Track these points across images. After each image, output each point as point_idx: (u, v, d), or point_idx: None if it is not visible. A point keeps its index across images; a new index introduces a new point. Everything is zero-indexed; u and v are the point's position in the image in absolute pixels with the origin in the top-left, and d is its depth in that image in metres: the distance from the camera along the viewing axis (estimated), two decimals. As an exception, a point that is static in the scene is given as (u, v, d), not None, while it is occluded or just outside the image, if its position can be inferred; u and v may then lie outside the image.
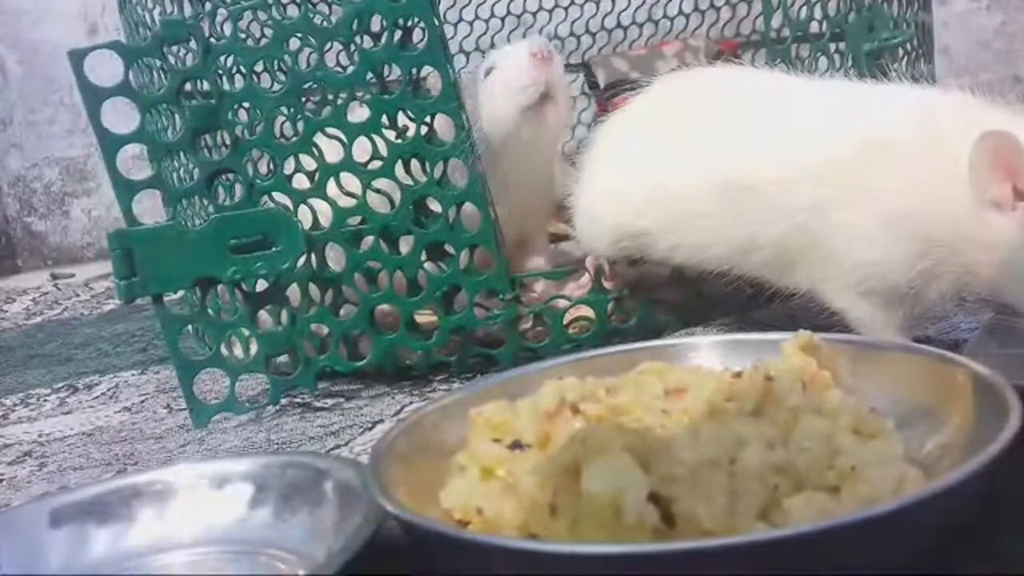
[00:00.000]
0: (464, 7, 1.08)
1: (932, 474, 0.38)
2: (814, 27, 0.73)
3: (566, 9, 1.08)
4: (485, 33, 1.08)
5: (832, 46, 0.73)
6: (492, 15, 1.09)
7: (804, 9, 0.71)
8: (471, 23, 1.09)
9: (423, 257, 0.65)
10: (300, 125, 0.64)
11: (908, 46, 0.74)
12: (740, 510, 0.35)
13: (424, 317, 0.68)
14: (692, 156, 0.58)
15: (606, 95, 0.97)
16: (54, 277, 1.33)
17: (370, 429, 0.60)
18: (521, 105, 0.70)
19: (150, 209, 0.71)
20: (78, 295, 1.17)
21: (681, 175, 0.59)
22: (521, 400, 0.46)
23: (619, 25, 1.06)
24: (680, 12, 1.05)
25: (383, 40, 0.63)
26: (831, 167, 0.53)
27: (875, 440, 0.41)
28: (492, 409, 0.45)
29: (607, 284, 0.68)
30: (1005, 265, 0.48)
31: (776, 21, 0.72)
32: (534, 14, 1.09)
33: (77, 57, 0.61)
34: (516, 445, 0.43)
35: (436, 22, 0.63)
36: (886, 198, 0.51)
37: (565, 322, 0.67)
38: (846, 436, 0.40)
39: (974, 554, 0.37)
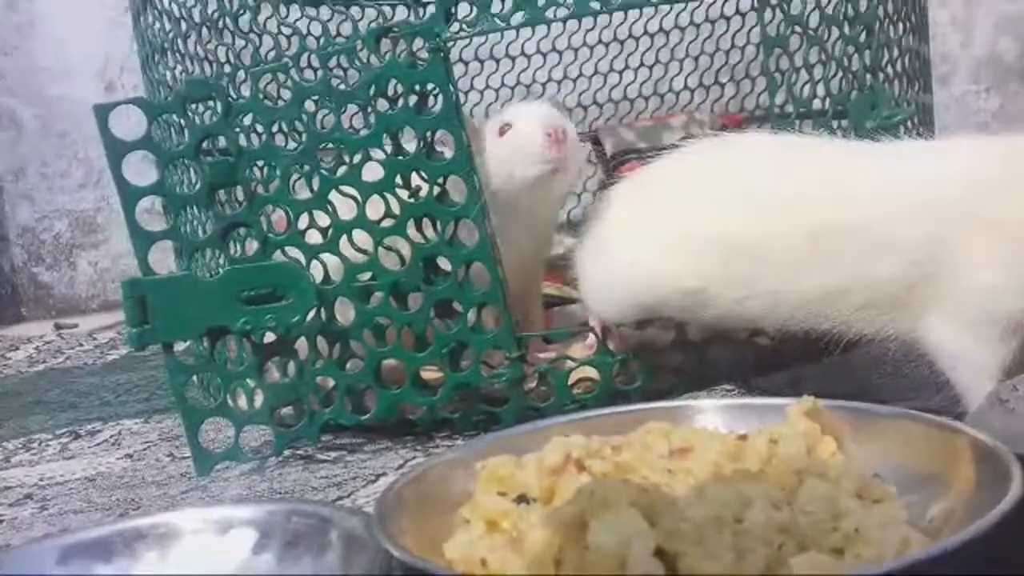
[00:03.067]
0: (475, 76, 1.11)
1: (935, 540, 0.39)
2: (816, 104, 0.75)
3: (574, 81, 1.11)
4: (495, 102, 1.11)
5: (835, 123, 0.75)
6: (502, 84, 1.12)
7: (807, 87, 0.73)
8: (481, 91, 1.11)
9: (431, 314, 0.66)
10: (315, 182, 0.65)
11: (909, 124, 0.77)
12: (745, 568, 0.35)
13: (430, 373, 0.68)
14: (768, 208, 0.58)
15: (613, 164, 0.99)
16: (58, 327, 1.34)
17: (373, 482, 0.60)
18: (531, 176, 0.71)
19: (160, 261, 0.72)
20: (82, 345, 1.18)
21: (755, 227, 0.58)
22: (527, 456, 0.47)
23: (625, 97, 1.09)
24: (685, 87, 1.07)
25: (400, 104, 0.65)
26: (947, 202, 0.54)
27: (878, 505, 0.41)
28: (498, 463, 0.46)
29: (612, 347, 0.69)
30: None
31: (779, 98, 0.74)
32: (543, 84, 1.11)
33: (103, 111, 0.63)
34: (521, 499, 0.43)
35: (451, 88, 0.65)
36: (1008, 226, 0.53)
37: (569, 383, 0.68)
38: (849, 500, 0.41)
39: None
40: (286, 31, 0.85)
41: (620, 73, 1.09)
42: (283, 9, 0.85)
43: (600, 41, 1.10)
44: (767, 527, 0.37)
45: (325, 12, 0.89)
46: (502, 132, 0.73)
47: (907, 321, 0.56)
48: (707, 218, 0.60)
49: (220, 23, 0.75)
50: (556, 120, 0.73)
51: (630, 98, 1.07)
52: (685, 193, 0.63)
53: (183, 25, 0.75)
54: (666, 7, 1.04)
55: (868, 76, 0.75)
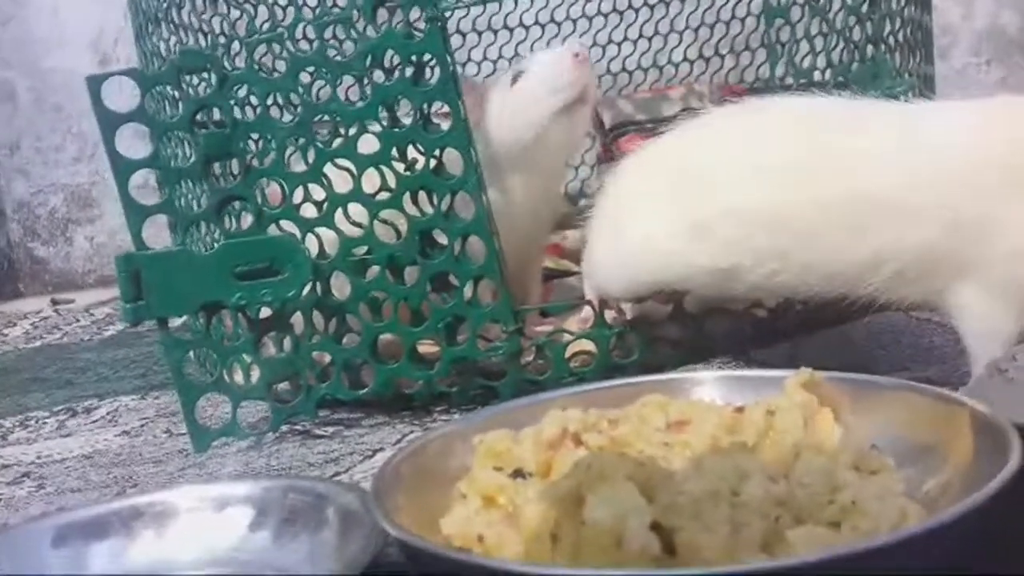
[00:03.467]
0: (473, 48, 1.10)
1: (931, 512, 0.39)
2: (817, 75, 0.74)
3: None
4: (492, 74, 1.10)
5: (836, 94, 0.74)
6: (500, 56, 1.11)
7: (808, 57, 0.72)
8: (479, 64, 1.10)
9: (428, 288, 0.66)
10: (311, 155, 0.65)
11: (911, 95, 0.76)
12: (742, 541, 0.35)
13: (426, 347, 0.68)
14: (797, 176, 0.56)
15: (611, 136, 0.98)
16: (54, 302, 1.33)
17: (370, 457, 0.60)
18: (558, 105, 0.70)
19: (154, 236, 0.71)
20: (78, 320, 1.18)
21: (784, 204, 0.56)
22: (524, 430, 0.46)
23: (624, 70, 1.08)
24: (685, 58, 1.06)
25: (396, 75, 0.64)
26: (981, 165, 0.53)
27: (875, 476, 0.41)
28: (494, 437, 0.46)
29: (609, 319, 0.68)
30: None
31: (780, 69, 0.74)
32: None
33: (95, 83, 0.62)
34: (518, 474, 0.43)
35: (448, 59, 0.64)
36: None
37: (566, 356, 0.68)
38: (846, 472, 0.41)
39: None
40: (282, 1, 0.84)
41: (619, 44, 1.08)
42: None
43: (599, 12, 1.08)
44: (764, 500, 0.37)
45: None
46: (514, 82, 0.72)
47: (935, 287, 0.55)
48: (730, 191, 0.58)
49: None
50: (580, 44, 0.72)
51: (629, 70, 1.06)
52: (702, 166, 0.60)
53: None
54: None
55: (870, 47, 0.74)
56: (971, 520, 0.33)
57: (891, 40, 0.75)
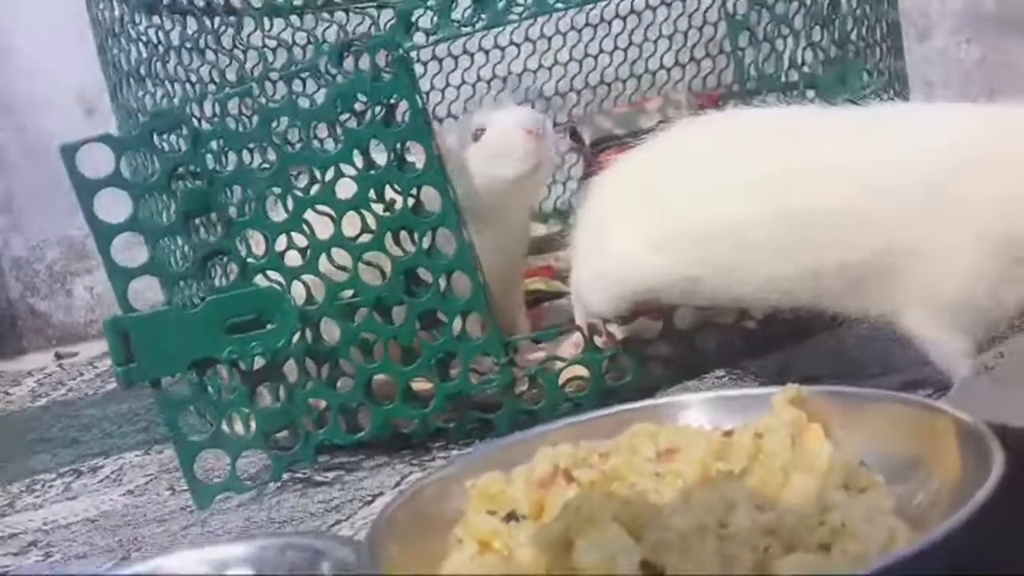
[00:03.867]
0: (451, 72, 1.10)
1: (922, 526, 0.39)
2: (785, 80, 0.74)
3: (550, 69, 1.10)
4: (472, 96, 1.10)
5: (808, 94, 0.74)
6: (479, 79, 1.11)
7: (774, 62, 0.72)
8: (458, 88, 1.11)
9: (416, 326, 0.66)
10: (290, 203, 0.65)
11: (883, 94, 0.76)
12: (732, 574, 0.35)
13: (420, 385, 0.68)
14: (754, 191, 0.57)
15: (593, 152, 0.98)
16: (58, 356, 1.34)
17: (369, 503, 0.60)
18: (510, 176, 0.71)
19: (148, 288, 0.71)
20: (82, 374, 1.18)
21: (745, 212, 0.57)
22: (516, 469, 0.47)
23: (603, 82, 1.08)
24: (661, 66, 1.06)
25: (367, 118, 0.65)
26: (918, 183, 0.53)
27: (865, 494, 0.41)
28: (487, 480, 0.46)
29: (600, 343, 0.69)
30: None
31: (747, 76, 0.74)
32: (519, 75, 1.11)
33: (69, 151, 0.63)
34: (511, 517, 0.43)
35: (417, 98, 0.64)
36: (976, 212, 0.52)
37: (560, 383, 0.68)
38: (836, 492, 0.41)
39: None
40: (271, 44, 0.84)
41: (595, 58, 1.08)
42: (267, 22, 0.83)
43: (572, 27, 1.09)
44: (752, 530, 0.37)
45: (310, 21, 0.88)
46: (476, 137, 0.73)
47: (888, 307, 0.55)
48: (693, 205, 0.59)
49: (201, 42, 0.75)
50: (532, 118, 0.72)
51: (607, 82, 1.07)
52: (668, 179, 0.62)
53: (160, 48, 0.74)
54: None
55: (835, 49, 0.74)
56: (959, 535, 0.34)
57: (857, 41, 0.75)
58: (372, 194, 0.65)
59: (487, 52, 1.11)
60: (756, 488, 0.42)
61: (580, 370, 0.68)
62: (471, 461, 0.50)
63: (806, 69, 0.72)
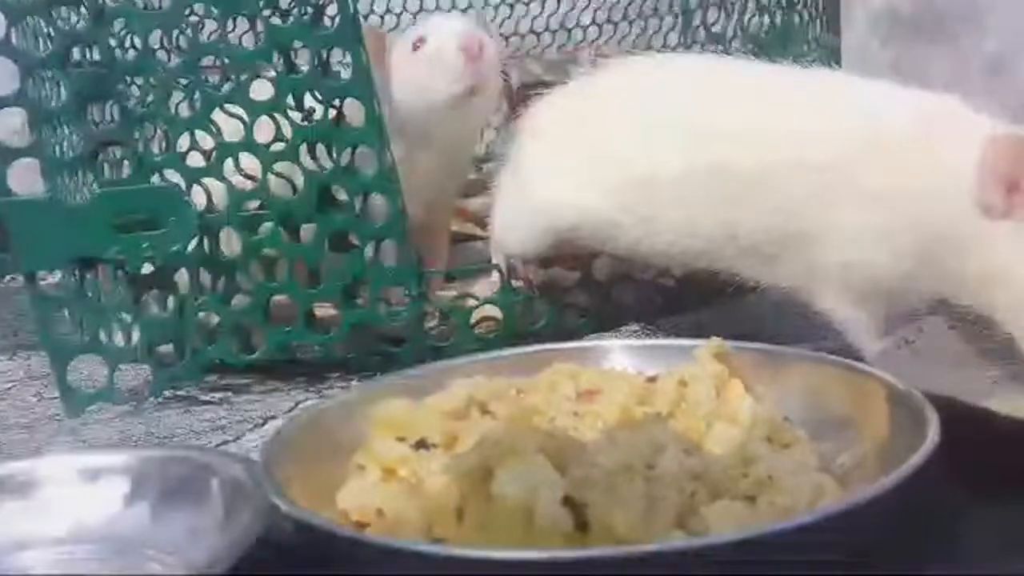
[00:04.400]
0: None
1: (845, 486, 0.38)
2: (728, 41, 0.73)
3: (479, 10, 1.06)
4: (396, 28, 1.05)
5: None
6: (404, 10, 1.06)
7: (721, 22, 0.70)
8: (382, 16, 1.05)
9: (325, 247, 0.62)
10: (199, 100, 0.60)
11: (820, 65, 0.76)
12: (656, 517, 0.34)
13: (324, 311, 0.64)
14: (677, 141, 0.56)
15: (519, 96, 0.95)
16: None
17: (261, 425, 0.56)
18: (447, 96, 0.67)
19: (28, 184, 0.65)
20: (-59, 275, 1.09)
21: (666, 160, 0.56)
22: (427, 399, 0.44)
23: (532, 31, 1.05)
24: (593, 22, 1.04)
25: (292, 17, 0.60)
26: (832, 161, 0.51)
27: (789, 450, 0.40)
28: (395, 407, 0.43)
29: (517, 285, 0.66)
30: (989, 275, 0.47)
31: (691, 34, 0.72)
32: (446, 11, 1.06)
33: (-47, 11, 0.56)
34: (421, 445, 0.40)
35: (349, 3, 0.60)
36: (884, 197, 0.50)
37: (472, 322, 0.65)
38: (760, 445, 0.40)
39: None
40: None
41: (527, 4, 1.05)
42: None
43: None
44: (679, 474, 0.35)
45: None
46: (415, 47, 0.68)
47: (798, 276, 0.54)
48: (618, 148, 0.58)
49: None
50: (475, 34, 0.68)
51: (537, 31, 1.04)
52: (597, 120, 0.60)
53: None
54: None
55: (780, 13, 0.74)
56: (891, 497, 0.33)
57: (802, 10, 0.75)
58: (290, 100, 0.61)
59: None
60: (680, 433, 0.40)
61: (493, 311, 0.66)
62: (374, 388, 0.48)
63: (751, 31, 0.71)
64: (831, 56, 0.80)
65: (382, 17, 1.05)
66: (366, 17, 1.03)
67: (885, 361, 0.48)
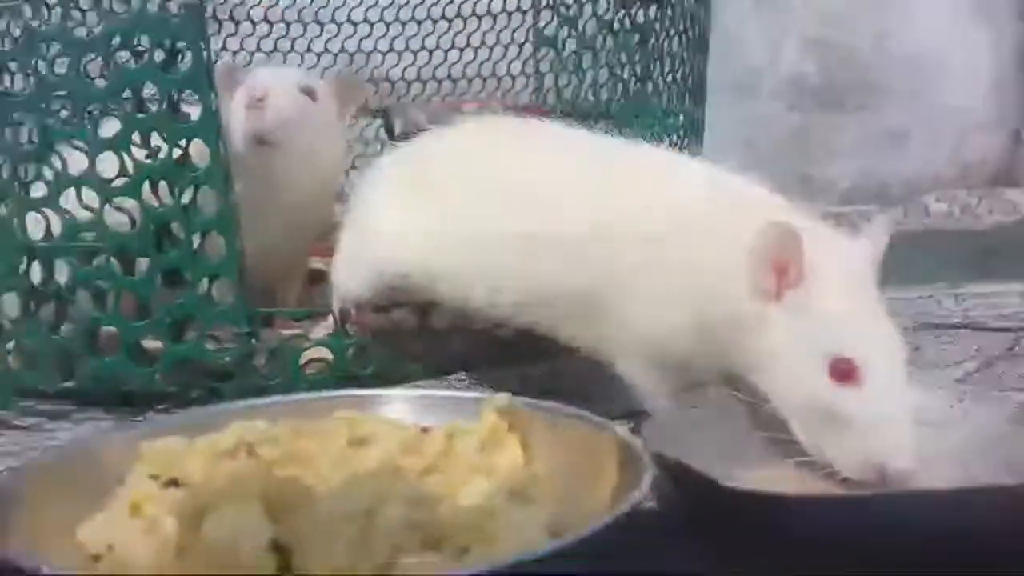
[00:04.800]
0: (280, 38, 1.08)
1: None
2: (582, 107, 0.75)
3: (352, 56, 1.08)
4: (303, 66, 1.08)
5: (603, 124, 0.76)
6: (275, 48, 1.08)
7: (572, 88, 0.73)
8: (285, 55, 1.08)
9: (159, 282, 0.63)
10: (43, 133, 0.61)
11: (675, 135, 0.79)
12: (362, 565, 0.35)
13: (152, 343, 0.65)
14: (495, 204, 0.58)
15: (399, 142, 0.98)
16: None
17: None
18: (237, 144, 0.69)
19: None
20: None
21: (482, 223, 0.58)
22: (202, 437, 0.45)
23: (419, 79, 1.08)
24: (479, 75, 1.07)
25: (146, 59, 0.61)
26: (629, 233, 0.54)
27: (530, 506, 0.42)
28: (164, 444, 0.44)
29: (351, 329, 0.68)
30: (762, 353, 0.49)
31: (547, 98, 0.74)
32: (352, 55, 1.09)
33: None
34: (172, 483, 0.41)
35: (203, 47, 0.62)
36: (676, 271, 0.52)
37: (302, 362, 0.66)
38: (504, 499, 0.41)
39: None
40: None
41: (399, 54, 1.08)
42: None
43: (413, 18, 1.08)
44: (398, 525, 0.36)
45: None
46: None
47: (601, 341, 0.56)
48: (442, 205, 0.60)
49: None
50: (260, 86, 0.70)
51: (423, 79, 1.07)
52: (431, 174, 0.62)
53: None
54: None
55: (636, 84, 0.77)
56: (571, 553, 0.34)
57: (660, 80, 0.78)
58: (136, 138, 0.62)
59: (323, 25, 1.09)
60: (425, 485, 0.42)
61: (326, 353, 0.67)
62: (158, 424, 0.48)
63: (604, 96, 0.73)
64: (690, 128, 0.83)
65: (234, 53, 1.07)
66: (251, 57, 1.06)
67: (661, 422, 0.50)
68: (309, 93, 0.74)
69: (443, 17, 1.06)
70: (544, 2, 0.69)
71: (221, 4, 1.07)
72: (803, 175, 1.60)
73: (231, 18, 1.08)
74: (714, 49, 1.62)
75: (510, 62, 1.04)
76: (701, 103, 0.88)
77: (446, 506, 0.40)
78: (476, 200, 0.59)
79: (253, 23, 1.07)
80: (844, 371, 0.46)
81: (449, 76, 1.07)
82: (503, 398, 0.49)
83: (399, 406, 0.50)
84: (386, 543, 0.36)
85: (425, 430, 0.47)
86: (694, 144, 0.84)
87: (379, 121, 1.02)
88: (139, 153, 0.62)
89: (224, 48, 1.06)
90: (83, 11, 0.63)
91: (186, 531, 0.36)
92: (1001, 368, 0.71)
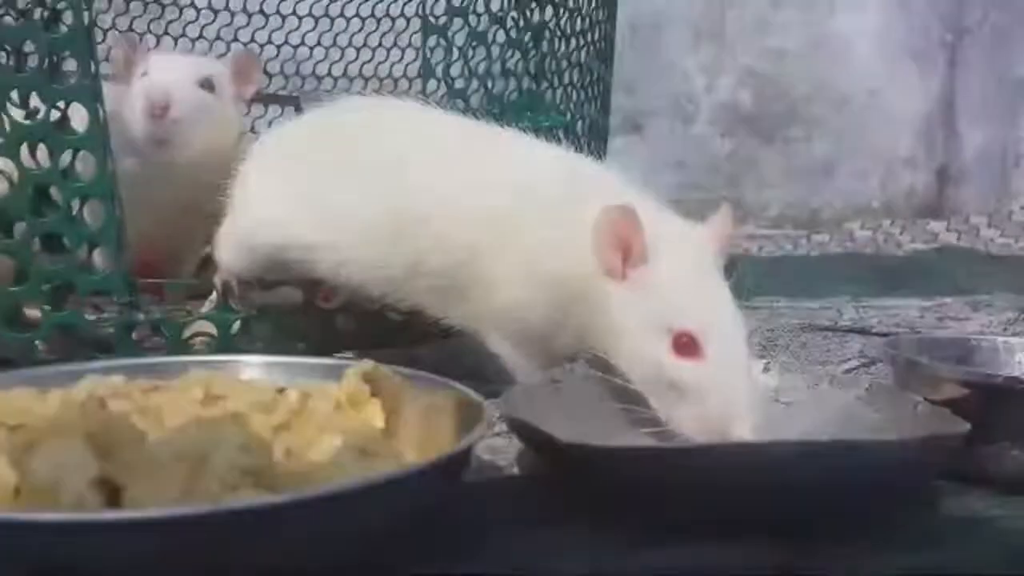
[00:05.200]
0: (171, 22, 1.07)
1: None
2: (474, 100, 0.75)
3: (261, 46, 1.08)
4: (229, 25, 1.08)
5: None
6: (201, 36, 1.08)
7: (462, 80, 0.73)
8: (212, 42, 1.08)
9: (37, 247, 0.62)
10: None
11: (570, 133, 0.80)
12: (191, 501, 0.35)
13: (34, 311, 0.64)
14: (368, 181, 0.59)
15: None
16: None
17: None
18: (136, 140, 0.69)
19: None
20: None
21: (350, 198, 0.59)
22: (55, 390, 0.45)
23: (314, 74, 1.09)
24: (350, 43, 1.08)
25: (25, 17, 0.61)
26: (487, 212, 0.55)
27: (373, 459, 0.42)
28: (15, 393, 0.44)
29: (234, 303, 0.67)
30: (611, 329, 0.51)
31: (432, 86, 0.74)
32: (228, 43, 1.08)
33: None
34: (15, 429, 0.41)
35: (84, 8, 0.61)
36: (529, 249, 0.54)
37: (185, 335, 0.66)
38: (350, 455, 0.42)
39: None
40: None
41: (278, 47, 1.09)
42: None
43: (261, 11, 1.09)
44: (229, 468, 0.37)
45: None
46: (140, 77, 0.70)
47: (467, 317, 0.58)
48: (317, 181, 0.61)
49: None
50: (164, 93, 0.70)
51: (319, 75, 1.08)
52: (308, 150, 0.63)
53: None
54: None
55: (528, 80, 0.77)
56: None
57: (554, 79, 0.79)
58: (15, 97, 0.61)
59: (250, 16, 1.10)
60: (288, 439, 0.42)
61: (212, 328, 0.67)
62: (13, 376, 0.48)
63: (495, 90, 0.74)
64: (587, 128, 0.84)
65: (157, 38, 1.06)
66: (193, 44, 1.06)
67: (525, 392, 0.51)
68: (207, 85, 0.74)
69: (341, 15, 1.07)
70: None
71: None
72: (738, 199, 1.66)
73: (175, 3, 1.07)
74: (653, 75, 1.67)
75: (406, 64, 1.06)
76: (606, 110, 0.89)
77: (290, 457, 0.41)
78: (349, 180, 0.60)
79: (197, 10, 1.07)
80: (685, 344, 0.48)
81: (360, 73, 1.08)
82: (367, 364, 0.49)
83: (256, 370, 0.51)
84: (216, 484, 0.36)
85: (281, 391, 0.47)
86: (597, 149, 0.85)
87: (291, 109, 1.02)
88: (17, 114, 0.62)
89: (166, 33, 1.07)
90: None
91: (15, 468, 0.36)
92: (881, 368, 0.73)
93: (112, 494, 0.35)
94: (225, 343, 0.66)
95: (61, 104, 0.62)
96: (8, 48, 0.62)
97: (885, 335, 0.84)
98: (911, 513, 0.45)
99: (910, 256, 1.41)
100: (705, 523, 0.41)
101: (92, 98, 0.62)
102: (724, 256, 0.53)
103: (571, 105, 0.81)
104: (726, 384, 0.47)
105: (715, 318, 0.49)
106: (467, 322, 0.58)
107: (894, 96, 1.68)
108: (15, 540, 0.32)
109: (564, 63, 0.79)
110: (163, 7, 1.07)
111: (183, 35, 1.08)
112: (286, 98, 1.03)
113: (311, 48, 1.10)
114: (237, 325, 0.67)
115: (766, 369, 0.55)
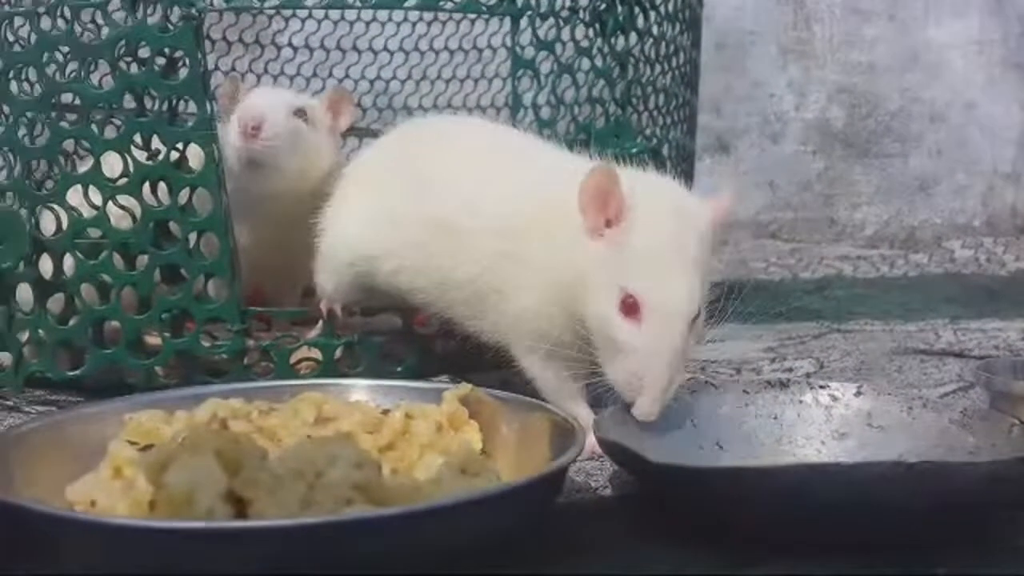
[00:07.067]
0: (270, 61, 1.13)
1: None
2: (561, 127, 0.77)
3: (340, 81, 1.12)
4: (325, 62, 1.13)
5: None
6: (282, 72, 1.13)
7: (549, 110, 0.75)
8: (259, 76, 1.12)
9: (157, 278, 0.67)
10: (49, 132, 0.66)
11: (657, 157, 0.81)
12: (309, 515, 0.38)
13: (154, 339, 0.69)
14: (415, 193, 0.62)
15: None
16: None
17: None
18: (230, 163, 0.73)
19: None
20: None
21: (408, 210, 0.62)
22: (180, 412, 0.48)
23: (406, 106, 1.13)
24: (439, 76, 1.12)
25: (146, 66, 0.66)
26: (509, 222, 0.57)
27: (475, 479, 0.44)
28: (145, 416, 0.47)
29: (338, 329, 0.71)
30: (585, 287, 0.52)
31: (523, 120, 0.76)
32: (307, 78, 1.13)
33: None
34: (149, 448, 0.45)
35: (199, 57, 0.66)
36: (544, 254, 0.55)
37: (292, 361, 0.69)
38: (451, 473, 0.44)
39: None
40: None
41: (371, 82, 1.13)
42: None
43: (355, 48, 1.14)
44: (342, 484, 0.39)
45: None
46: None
47: (498, 333, 0.59)
48: (378, 196, 0.65)
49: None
50: (256, 114, 0.74)
51: (411, 108, 1.12)
52: (375, 171, 0.68)
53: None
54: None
55: (615, 108, 0.79)
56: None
57: (640, 105, 0.80)
58: (138, 140, 0.66)
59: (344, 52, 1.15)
60: (393, 458, 0.45)
61: (316, 353, 0.70)
62: (143, 400, 0.52)
63: (582, 119, 0.76)
64: (674, 152, 0.85)
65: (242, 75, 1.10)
66: (276, 78, 1.11)
67: (614, 414, 0.52)
68: (301, 115, 0.78)
69: (430, 48, 1.11)
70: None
71: (264, 30, 1.13)
72: (830, 219, 1.64)
73: (273, 43, 1.13)
74: (740, 94, 1.66)
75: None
76: (692, 134, 0.90)
77: (396, 475, 0.43)
78: (403, 193, 0.63)
79: (294, 48, 1.12)
80: (629, 305, 0.50)
81: (449, 104, 1.11)
82: (465, 387, 0.52)
83: (361, 392, 0.53)
84: (330, 500, 0.39)
85: (385, 412, 0.50)
86: (684, 172, 0.86)
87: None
88: (140, 155, 0.66)
89: (265, 71, 1.12)
90: (95, 23, 0.68)
91: (152, 483, 0.39)
92: (978, 392, 0.72)
93: (238, 507, 0.38)
94: (327, 367, 0.70)
95: (179, 145, 0.66)
96: (132, 94, 0.66)
97: (983, 358, 0.83)
98: (1006, 534, 0.45)
99: (1013, 275, 1.37)
100: (791, 543, 0.42)
101: (207, 139, 0.66)
102: (720, 231, 0.54)
103: (657, 130, 0.82)
104: (649, 355, 0.49)
105: (660, 289, 0.50)
106: (496, 336, 0.59)
107: (992, 108, 1.64)
108: (157, 547, 0.35)
109: (649, 89, 0.81)
110: (263, 47, 1.13)
111: (281, 73, 1.13)
112: (379, 132, 1.07)
113: (402, 82, 1.14)
114: (340, 350, 0.70)
115: (859, 393, 0.55)
